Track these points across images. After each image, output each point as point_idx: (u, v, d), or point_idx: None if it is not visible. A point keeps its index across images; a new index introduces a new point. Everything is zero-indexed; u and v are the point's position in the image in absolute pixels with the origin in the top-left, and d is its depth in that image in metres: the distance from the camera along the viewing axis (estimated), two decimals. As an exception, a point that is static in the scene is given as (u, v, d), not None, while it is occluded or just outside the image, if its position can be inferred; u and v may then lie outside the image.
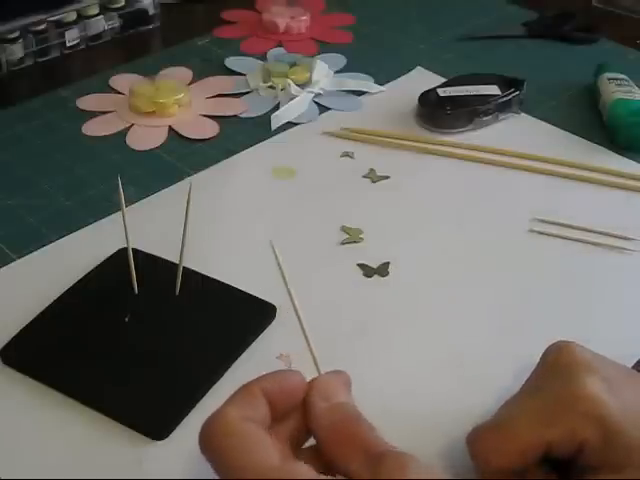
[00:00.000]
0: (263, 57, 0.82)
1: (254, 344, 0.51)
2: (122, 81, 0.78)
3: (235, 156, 0.69)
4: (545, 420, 0.39)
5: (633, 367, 0.51)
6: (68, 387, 0.48)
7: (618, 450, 0.38)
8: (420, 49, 0.85)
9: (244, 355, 0.50)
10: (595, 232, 0.60)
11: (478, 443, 0.41)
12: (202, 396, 0.48)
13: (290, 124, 0.73)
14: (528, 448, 0.39)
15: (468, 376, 0.50)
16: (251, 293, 0.54)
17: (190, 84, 0.78)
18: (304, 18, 0.88)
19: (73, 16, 0.83)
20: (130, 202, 0.62)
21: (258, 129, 0.72)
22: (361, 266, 0.57)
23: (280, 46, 0.85)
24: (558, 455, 0.39)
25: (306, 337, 0.52)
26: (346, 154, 0.69)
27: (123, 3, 0.86)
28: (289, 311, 0.53)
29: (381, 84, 0.78)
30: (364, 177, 0.66)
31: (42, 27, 0.81)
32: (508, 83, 0.74)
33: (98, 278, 0.55)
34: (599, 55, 0.83)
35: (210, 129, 0.72)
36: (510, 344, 0.52)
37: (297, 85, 0.76)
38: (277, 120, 0.72)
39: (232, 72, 0.80)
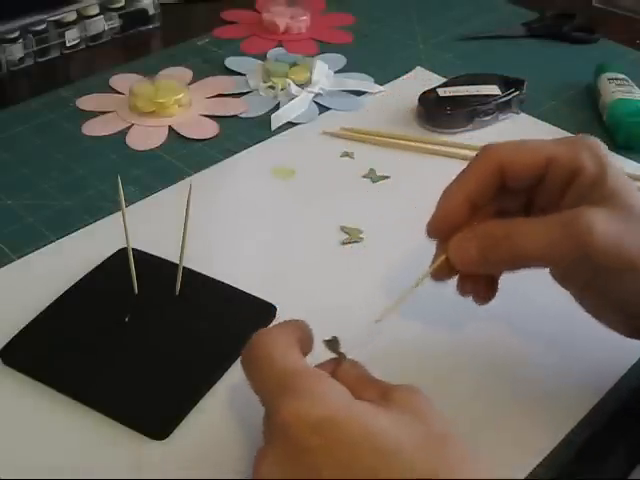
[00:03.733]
0: (263, 57, 0.82)
1: (254, 344, 0.51)
2: (122, 81, 0.78)
3: (235, 156, 0.69)
4: (557, 141, 0.45)
5: (632, 368, 0.51)
6: (68, 387, 0.48)
7: (604, 189, 0.42)
8: (420, 49, 0.85)
9: (244, 355, 0.50)
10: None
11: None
12: (202, 396, 0.48)
13: (290, 124, 0.73)
14: (539, 157, 0.44)
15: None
16: (251, 293, 0.54)
17: (190, 84, 0.78)
18: (304, 18, 0.88)
19: (73, 16, 0.83)
20: (130, 202, 0.62)
21: (258, 129, 0.72)
22: (361, 266, 0.57)
23: (280, 46, 0.85)
24: (556, 175, 0.44)
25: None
26: (346, 154, 0.69)
27: (123, 3, 0.87)
28: (289, 311, 0.53)
29: (381, 84, 0.78)
30: (364, 177, 0.66)
31: (42, 27, 0.81)
32: (508, 83, 0.74)
33: (98, 278, 0.55)
34: (599, 55, 0.83)
35: (210, 129, 0.72)
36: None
37: (297, 85, 0.76)
38: (277, 120, 0.72)
39: (232, 72, 0.80)
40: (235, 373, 0.49)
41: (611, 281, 0.44)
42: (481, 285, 0.46)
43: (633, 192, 0.43)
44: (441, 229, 0.46)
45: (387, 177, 0.66)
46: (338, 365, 0.42)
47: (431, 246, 0.60)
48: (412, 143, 0.70)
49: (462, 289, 0.47)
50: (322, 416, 0.35)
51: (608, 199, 0.42)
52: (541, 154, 0.44)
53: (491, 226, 0.44)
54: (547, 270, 0.53)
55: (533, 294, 0.56)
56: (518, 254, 0.43)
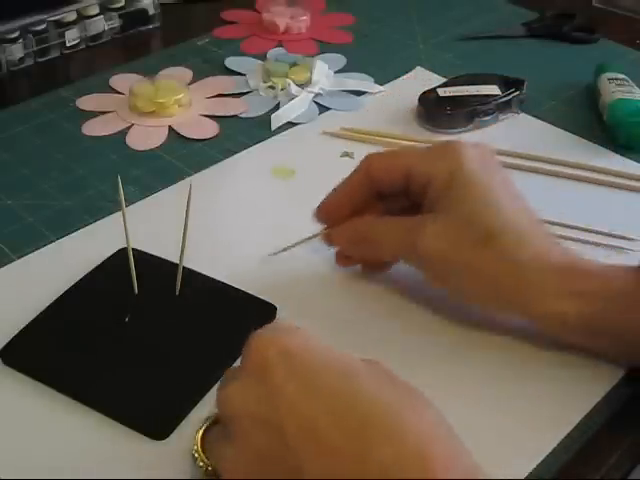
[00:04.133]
0: (263, 57, 0.82)
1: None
2: (122, 81, 0.78)
3: (235, 156, 0.69)
4: (421, 151, 0.53)
5: (632, 368, 0.51)
6: (68, 387, 0.48)
7: (450, 197, 0.49)
8: (420, 49, 0.85)
9: (244, 355, 0.50)
10: (595, 232, 0.60)
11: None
12: (202, 396, 0.48)
13: (290, 124, 0.73)
14: (399, 167, 0.51)
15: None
16: (251, 293, 0.54)
17: (190, 84, 0.78)
18: (304, 18, 0.88)
19: (73, 16, 0.83)
20: (130, 202, 0.62)
21: (258, 129, 0.72)
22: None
23: (280, 46, 0.85)
24: (414, 182, 0.51)
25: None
26: (346, 154, 0.69)
27: (123, 3, 0.86)
28: (289, 311, 0.53)
29: (381, 84, 0.78)
30: (364, 177, 0.66)
31: (42, 27, 0.81)
32: (508, 83, 0.74)
33: (98, 278, 0.55)
34: (599, 55, 0.83)
35: (210, 129, 0.72)
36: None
37: (297, 85, 0.76)
38: (277, 120, 0.72)
39: (232, 72, 0.80)
40: (235, 373, 0.49)
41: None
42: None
43: (478, 200, 0.48)
44: (325, 219, 0.55)
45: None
46: None
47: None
48: (412, 143, 0.70)
49: (337, 261, 0.56)
50: (288, 343, 0.39)
51: (453, 206, 0.49)
52: (401, 165, 0.51)
53: (359, 223, 0.53)
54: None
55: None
56: (374, 249, 0.53)
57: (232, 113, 0.74)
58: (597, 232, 0.60)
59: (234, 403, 0.39)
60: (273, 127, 0.72)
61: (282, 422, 0.36)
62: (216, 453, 0.41)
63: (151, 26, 0.89)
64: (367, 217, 0.53)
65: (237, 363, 0.49)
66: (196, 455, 0.43)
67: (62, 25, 0.83)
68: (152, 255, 0.56)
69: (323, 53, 0.83)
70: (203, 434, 0.43)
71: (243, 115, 0.74)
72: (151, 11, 0.89)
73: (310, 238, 0.56)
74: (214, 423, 0.43)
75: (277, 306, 0.53)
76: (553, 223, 0.61)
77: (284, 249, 0.56)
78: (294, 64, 0.78)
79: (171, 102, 0.73)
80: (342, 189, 0.54)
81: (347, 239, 0.54)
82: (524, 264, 0.48)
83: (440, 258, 0.49)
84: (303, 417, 0.36)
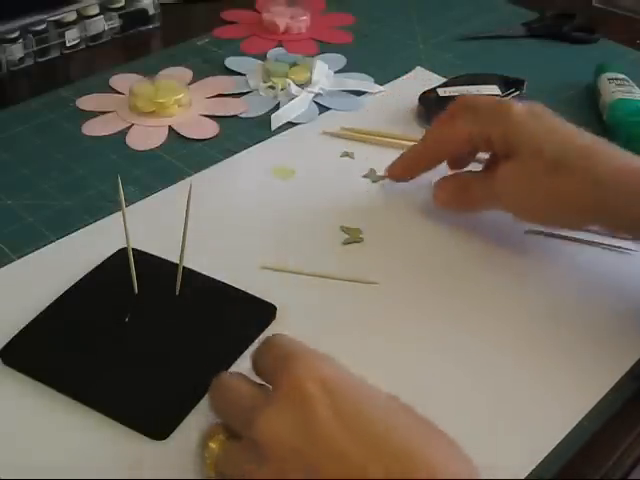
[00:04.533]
0: (263, 57, 0.82)
1: (254, 344, 0.51)
2: (122, 81, 0.78)
3: (235, 156, 0.69)
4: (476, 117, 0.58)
5: (632, 368, 0.51)
6: (68, 387, 0.48)
7: (512, 145, 0.55)
8: (420, 49, 0.85)
9: (244, 355, 0.50)
10: (595, 232, 0.60)
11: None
12: (202, 396, 0.47)
13: (290, 124, 0.73)
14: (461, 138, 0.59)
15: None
16: (251, 293, 0.54)
17: (190, 84, 0.78)
18: (304, 18, 0.88)
19: (73, 16, 0.83)
20: (130, 202, 0.62)
21: (258, 129, 0.72)
22: (361, 266, 0.57)
23: (280, 46, 0.85)
24: (480, 143, 0.58)
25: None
26: (346, 154, 0.69)
27: (123, 3, 0.86)
28: (289, 311, 0.53)
29: (381, 84, 0.78)
30: (364, 177, 0.66)
31: (42, 27, 0.81)
32: (508, 83, 0.74)
33: (98, 278, 0.55)
34: (599, 55, 0.83)
35: (210, 129, 0.72)
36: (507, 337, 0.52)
37: (297, 85, 0.76)
38: (277, 120, 0.72)
39: (232, 72, 0.80)
40: (235, 373, 0.49)
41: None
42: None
43: (536, 139, 0.55)
44: (400, 175, 0.64)
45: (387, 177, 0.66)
46: None
47: (431, 246, 0.60)
48: (412, 143, 0.70)
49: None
50: (327, 373, 0.38)
51: (517, 151, 0.55)
52: (459, 136, 0.59)
53: (457, 179, 0.61)
54: (546, 273, 0.53)
55: (534, 295, 0.56)
56: (470, 201, 0.60)
57: (232, 113, 0.74)
58: (597, 232, 0.60)
59: (270, 428, 0.38)
60: (273, 127, 0.72)
61: (319, 459, 0.36)
62: (240, 470, 0.40)
63: (151, 26, 0.89)
64: (463, 174, 0.61)
65: (237, 363, 0.50)
66: (208, 463, 0.42)
67: (62, 25, 0.83)
68: (152, 255, 0.56)
69: (323, 53, 0.83)
70: (218, 445, 0.42)
71: (243, 115, 0.74)
72: (151, 11, 0.89)
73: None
74: (229, 435, 0.42)
75: (277, 306, 0.53)
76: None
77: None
78: (294, 64, 0.78)
79: (171, 102, 0.73)
80: (411, 155, 0.63)
81: (449, 191, 0.61)
82: (600, 179, 0.52)
83: (518, 194, 0.56)
84: (341, 456, 0.36)
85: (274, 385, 0.40)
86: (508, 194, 0.56)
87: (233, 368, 0.49)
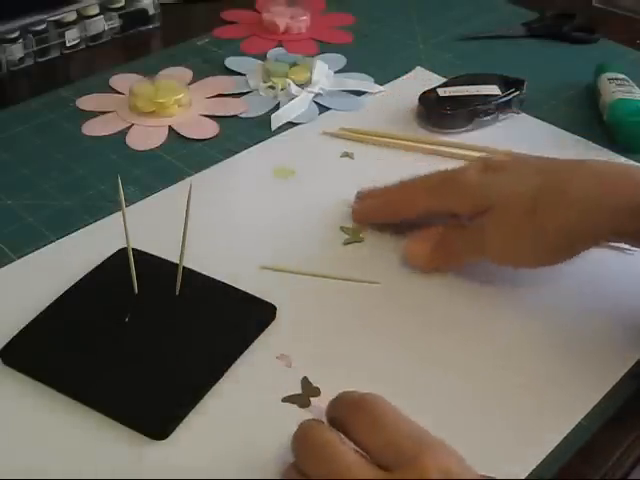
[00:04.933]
0: (263, 57, 0.82)
1: (254, 344, 0.51)
2: (122, 81, 0.78)
3: (235, 156, 0.69)
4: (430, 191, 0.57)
5: (632, 368, 0.51)
6: (68, 387, 0.48)
7: (484, 204, 0.53)
8: (420, 49, 0.85)
9: (244, 355, 0.50)
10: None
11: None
12: (202, 396, 0.48)
13: (290, 124, 0.73)
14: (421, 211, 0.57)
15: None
16: (251, 293, 0.54)
17: (190, 84, 0.78)
18: (304, 18, 0.88)
19: (73, 16, 0.83)
20: (130, 202, 0.62)
21: (258, 129, 0.72)
22: (361, 266, 0.57)
23: (280, 46, 0.85)
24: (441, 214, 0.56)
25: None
26: (346, 154, 0.69)
27: (123, 3, 0.86)
28: (289, 311, 0.53)
29: (381, 84, 0.78)
30: (364, 177, 0.66)
31: (42, 27, 0.81)
32: (508, 83, 0.74)
33: (98, 278, 0.55)
34: (599, 55, 0.83)
35: (210, 129, 0.72)
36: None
37: (297, 85, 0.76)
38: (277, 120, 0.72)
39: (232, 72, 0.80)
40: (235, 373, 0.49)
41: None
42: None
43: (505, 192, 0.53)
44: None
45: (387, 177, 0.66)
46: None
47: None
48: (412, 143, 0.70)
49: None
50: (449, 464, 0.38)
51: (490, 208, 0.53)
52: (419, 209, 0.57)
53: (432, 235, 0.56)
54: (545, 272, 0.53)
55: (533, 294, 0.56)
56: (451, 257, 0.56)
57: (232, 113, 0.74)
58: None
59: None
60: (273, 127, 0.72)
61: None
62: None
63: (151, 26, 0.89)
64: (439, 227, 0.57)
65: (236, 363, 0.50)
66: None
67: (62, 25, 0.83)
68: (152, 255, 0.56)
69: (323, 53, 0.83)
70: None
71: (243, 115, 0.74)
72: (151, 11, 0.89)
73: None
74: None
75: (277, 306, 0.53)
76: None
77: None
78: (294, 64, 0.78)
79: (171, 102, 0.73)
80: (371, 208, 0.61)
81: (430, 248, 0.56)
82: (580, 200, 0.50)
83: (506, 244, 0.53)
84: None
85: (397, 470, 0.38)
86: (494, 246, 0.53)
87: (233, 369, 0.49)
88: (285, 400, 0.48)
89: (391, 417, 0.40)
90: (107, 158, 0.68)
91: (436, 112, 0.72)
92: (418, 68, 0.81)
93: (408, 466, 0.38)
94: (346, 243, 0.60)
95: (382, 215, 0.60)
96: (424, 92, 0.74)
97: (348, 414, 0.40)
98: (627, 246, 0.59)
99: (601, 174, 0.52)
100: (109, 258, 0.56)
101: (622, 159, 0.68)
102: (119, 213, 0.53)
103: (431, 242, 0.56)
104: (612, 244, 0.59)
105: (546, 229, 0.51)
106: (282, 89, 0.76)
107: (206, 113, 0.74)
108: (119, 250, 0.56)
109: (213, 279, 0.55)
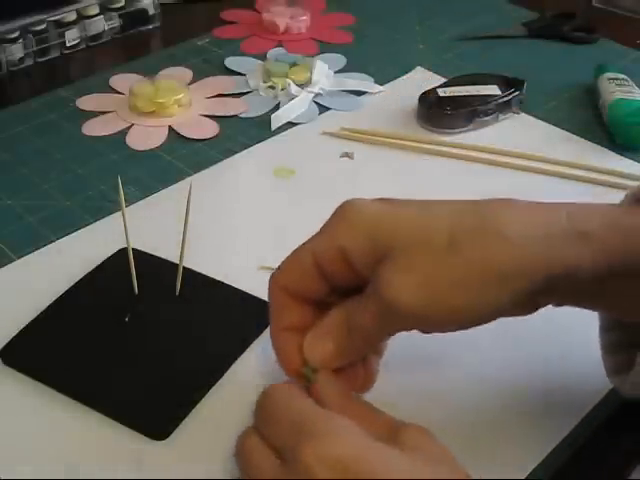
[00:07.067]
0: (263, 57, 0.82)
1: (254, 344, 0.51)
2: (122, 81, 0.78)
3: (235, 156, 0.69)
4: (316, 241, 0.44)
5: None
6: (68, 387, 0.48)
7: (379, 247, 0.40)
8: (420, 49, 0.85)
9: (244, 355, 0.50)
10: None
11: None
12: (202, 396, 0.48)
13: (290, 124, 0.73)
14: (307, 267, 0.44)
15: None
16: (251, 293, 0.54)
17: (190, 84, 0.78)
18: (304, 18, 0.88)
19: (73, 16, 0.83)
20: (130, 202, 0.62)
21: (258, 129, 0.72)
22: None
23: (280, 46, 0.85)
24: (328, 268, 0.42)
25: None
26: (346, 154, 0.69)
27: (123, 3, 0.87)
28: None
29: (381, 84, 0.78)
30: (364, 177, 0.66)
31: (42, 27, 0.81)
32: (508, 83, 0.74)
33: (98, 278, 0.55)
34: (599, 55, 0.83)
35: (210, 129, 0.72)
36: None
37: (297, 85, 0.76)
38: (277, 120, 0.72)
39: (232, 72, 0.80)
40: (235, 373, 0.49)
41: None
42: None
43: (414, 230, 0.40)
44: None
45: (386, 177, 0.66)
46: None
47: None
48: (412, 143, 0.70)
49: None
50: (342, 455, 0.35)
51: (390, 252, 0.40)
52: (306, 264, 0.44)
53: (334, 317, 0.43)
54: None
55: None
56: (362, 339, 0.42)
57: (232, 113, 0.74)
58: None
59: None
60: (273, 127, 0.72)
61: None
62: None
63: (151, 26, 0.89)
64: (332, 310, 0.43)
65: (236, 363, 0.50)
66: None
67: (62, 25, 0.83)
68: (152, 255, 0.56)
69: (323, 53, 0.83)
70: None
71: (243, 115, 0.74)
72: (151, 11, 0.89)
73: None
74: None
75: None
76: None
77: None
78: (294, 64, 0.78)
79: (171, 102, 0.73)
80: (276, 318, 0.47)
81: (336, 339, 0.43)
82: (507, 227, 0.39)
83: (429, 294, 0.39)
84: None
85: (289, 466, 0.36)
86: (412, 301, 0.39)
87: (233, 369, 0.49)
88: (285, 400, 0.48)
89: (281, 406, 0.39)
90: (107, 158, 0.68)
91: (436, 112, 0.72)
92: (418, 68, 0.81)
93: (292, 460, 0.36)
94: (346, 243, 0.60)
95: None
96: (424, 92, 0.74)
97: (254, 413, 0.41)
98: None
99: (529, 205, 0.41)
100: (109, 258, 0.56)
101: (622, 159, 0.69)
102: (119, 213, 0.53)
103: (333, 333, 0.42)
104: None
105: (472, 264, 0.39)
106: (282, 89, 0.76)
107: (206, 113, 0.74)
108: (119, 250, 0.56)
109: (213, 279, 0.55)
